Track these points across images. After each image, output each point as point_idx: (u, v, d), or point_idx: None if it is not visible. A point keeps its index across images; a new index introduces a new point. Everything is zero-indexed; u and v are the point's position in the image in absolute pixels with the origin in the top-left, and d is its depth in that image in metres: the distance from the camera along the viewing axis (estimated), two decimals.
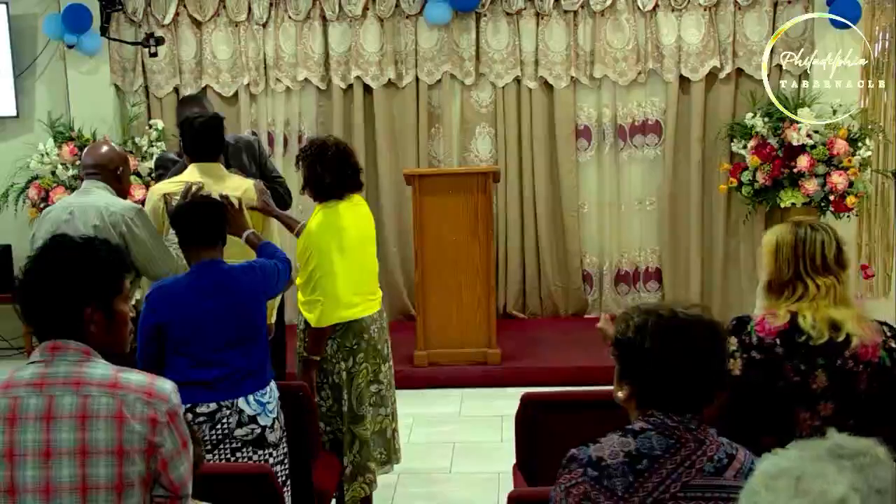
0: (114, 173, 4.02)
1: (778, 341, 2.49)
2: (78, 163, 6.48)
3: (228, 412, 3.27)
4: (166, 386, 2.14)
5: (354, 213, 4.04)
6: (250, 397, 3.31)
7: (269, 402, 3.36)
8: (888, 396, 2.51)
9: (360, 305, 4.00)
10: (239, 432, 3.28)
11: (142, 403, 2.07)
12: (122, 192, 4.08)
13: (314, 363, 3.95)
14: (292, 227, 4.19)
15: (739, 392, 2.50)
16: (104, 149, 4.11)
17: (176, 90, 7.16)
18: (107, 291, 2.15)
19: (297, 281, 4.00)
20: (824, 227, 2.63)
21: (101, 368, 2.10)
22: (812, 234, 2.57)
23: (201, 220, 3.35)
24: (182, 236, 3.38)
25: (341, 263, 3.90)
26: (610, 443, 2.06)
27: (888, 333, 2.58)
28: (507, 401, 3.99)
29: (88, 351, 2.11)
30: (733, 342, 2.52)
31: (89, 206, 3.87)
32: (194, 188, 3.95)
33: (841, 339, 2.49)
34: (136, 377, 2.12)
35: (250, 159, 4.80)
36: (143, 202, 4.68)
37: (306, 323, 3.94)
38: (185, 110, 4.78)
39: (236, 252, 3.69)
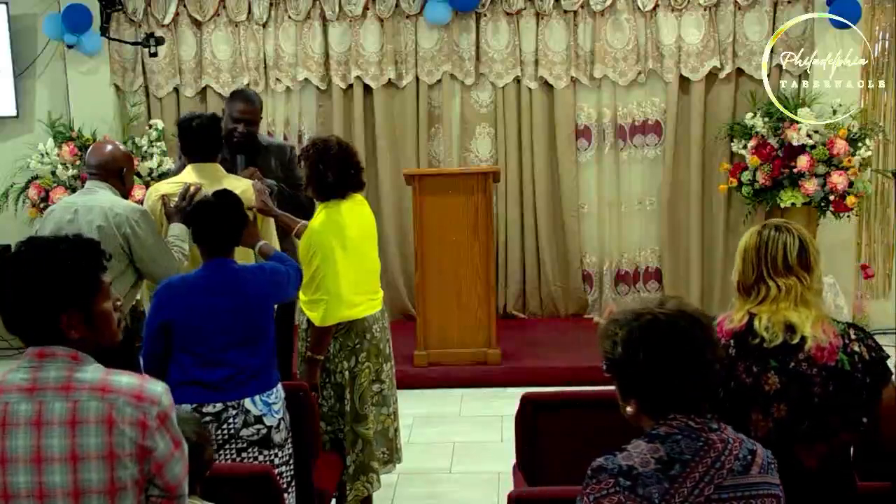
0: (117, 174, 4.00)
1: (732, 342, 2.50)
2: (78, 163, 6.49)
3: (234, 412, 3.27)
4: (157, 388, 2.09)
5: (356, 212, 4.04)
6: (256, 397, 3.31)
7: (274, 403, 3.36)
8: (846, 400, 2.49)
9: (362, 305, 4.00)
10: (245, 432, 3.28)
11: (131, 407, 2.03)
12: (125, 193, 4.07)
13: (317, 362, 3.95)
14: (291, 227, 4.19)
15: None
16: (108, 148, 4.08)
17: (176, 90, 7.17)
18: (82, 294, 2.07)
19: (304, 279, 3.98)
20: (791, 228, 2.61)
21: (90, 372, 2.06)
22: (774, 236, 2.57)
23: (222, 221, 3.35)
24: (198, 233, 3.38)
25: (344, 262, 3.90)
26: (638, 450, 2.02)
27: (853, 336, 2.54)
28: (507, 401, 4.00)
29: (76, 355, 2.07)
30: None
31: (93, 206, 3.86)
32: (192, 189, 3.96)
33: (796, 341, 2.49)
34: (126, 379, 2.07)
35: (278, 163, 4.81)
36: (142, 202, 4.69)
37: (309, 322, 3.94)
38: (229, 106, 4.81)
39: (237, 258, 3.71)
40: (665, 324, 2.07)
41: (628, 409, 2.11)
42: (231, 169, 4.61)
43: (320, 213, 3.95)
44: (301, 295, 3.95)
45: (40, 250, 2.08)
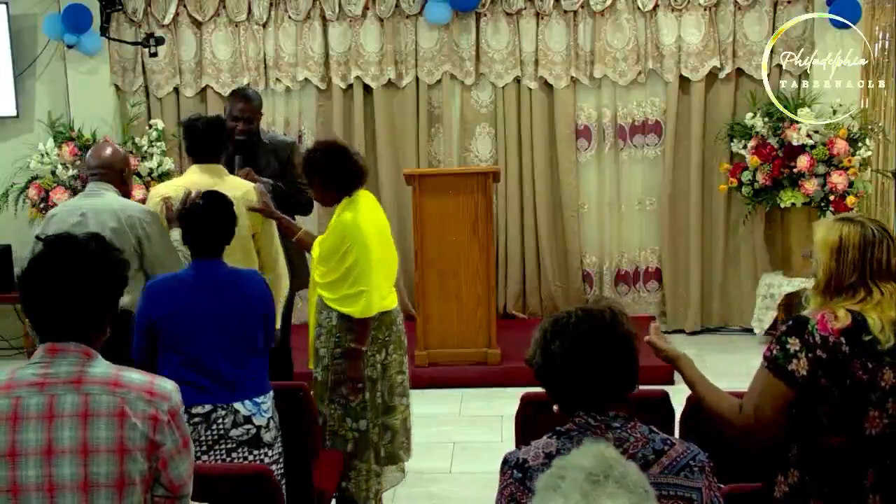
0: (119, 174, 4.01)
1: (843, 339, 2.44)
2: (78, 163, 6.49)
3: (224, 412, 3.27)
4: (167, 385, 2.15)
5: (373, 205, 4.09)
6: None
7: (263, 402, 3.35)
8: None
9: (389, 296, 4.05)
10: (234, 433, 3.28)
11: (143, 402, 2.08)
12: (127, 193, 4.08)
13: (362, 354, 3.92)
14: (292, 230, 4.20)
15: (806, 392, 2.45)
16: (109, 150, 4.10)
17: (176, 90, 7.17)
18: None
19: (327, 278, 3.93)
20: (885, 227, 2.55)
21: (101, 367, 2.11)
22: (880, 237, 2.49)
23: (208, 221, 3.36)
24: (186, 234, 3.38)
25: (378, 253, 3.93)
26: (537, 444, 2.11)
27: None
28: (507, 401, 3.99)
29: (89, 352, 2.11)
30: (795, 342, 2.45)
31: (104, 209, 3.84)
32: (193, 194, 3.97)
33: None
34: (136, 376, 2.14)
35: (276, 162, 4.84)
36: (142, 203, 4.70)
37: (341, 317, 3.90)
38: (229, 105, 4.88)
39: (238, 259, 3.71)
40: (562, 324, 2.13)
41: (554, 406, 2.20)
42: (229, 168, 4.63)
43: (346, 208, 3.92)
44: (328, 293, 3.92)
45: (102, 244, 2.17)
